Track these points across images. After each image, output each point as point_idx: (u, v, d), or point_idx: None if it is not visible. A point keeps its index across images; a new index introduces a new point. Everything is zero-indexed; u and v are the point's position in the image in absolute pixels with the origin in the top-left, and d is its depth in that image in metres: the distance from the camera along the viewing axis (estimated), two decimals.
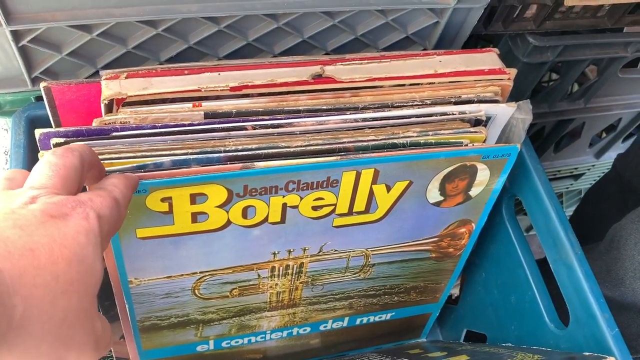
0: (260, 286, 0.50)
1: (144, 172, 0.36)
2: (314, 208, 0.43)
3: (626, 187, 0.75)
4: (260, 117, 0.40)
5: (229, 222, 0.41)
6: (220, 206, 0.40)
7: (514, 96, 0.48)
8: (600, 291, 0.46)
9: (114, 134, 0.37)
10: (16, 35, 0.41)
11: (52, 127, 0.43)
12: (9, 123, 0.47)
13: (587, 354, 0.45)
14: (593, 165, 0.90)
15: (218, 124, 0.39)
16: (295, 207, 0.42)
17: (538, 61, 0.59)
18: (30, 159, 0.44)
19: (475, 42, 0.65)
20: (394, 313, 0.61)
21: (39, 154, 0.36)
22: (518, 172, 0.52)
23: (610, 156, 0.89)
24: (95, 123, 0.38)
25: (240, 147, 0.39)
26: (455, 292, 0.67)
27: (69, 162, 0.28)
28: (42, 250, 0.24)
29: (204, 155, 0.38)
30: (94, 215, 0.27)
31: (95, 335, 0.27)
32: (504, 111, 0.45)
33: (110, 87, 0.39)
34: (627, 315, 0.56)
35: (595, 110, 0.73)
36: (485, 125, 0.45)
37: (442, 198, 0.46)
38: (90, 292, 0.26)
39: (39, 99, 0.47)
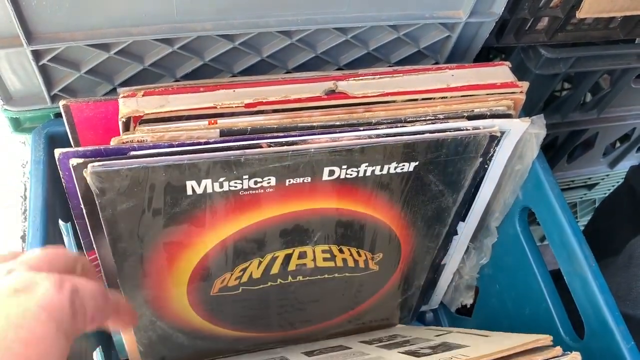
0: None
1: None
2: None
3: (639, 200, 0.74)
4: (275, 134, 0.41)
5: None
6: None
7: (527, 107, 0.48)
8: (615, 304, 0.46)
9: (132, 153, 0.38)
10: (36, 55, 0.42)
11: (70, 144, 0.43)
12: (28, 139, 0.48)
13: None
14: (607, 175, 0.89)
15: (233, 141, 0.39)
16: None
17: (550, 73, 0.59)
18: (49, 175, 0.45)
19: (487, 53, 0.65)
20: None
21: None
22: (531, 185, 0.52)
23: (624, 166, 0.88)
24: (113, 142, 0.39)
25: None
26: (469, 302, 0.67)
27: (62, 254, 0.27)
28: None
29: None
30: (70, 286, 0.24)
31: None
32: (517, 126, 0.45)
33: (128, 105, 0.40)
34: None
35: (608, 121, 0.73)
36: (499, 141, 0.45)
37: None
38: None
39: (58, 115, 0.48)
